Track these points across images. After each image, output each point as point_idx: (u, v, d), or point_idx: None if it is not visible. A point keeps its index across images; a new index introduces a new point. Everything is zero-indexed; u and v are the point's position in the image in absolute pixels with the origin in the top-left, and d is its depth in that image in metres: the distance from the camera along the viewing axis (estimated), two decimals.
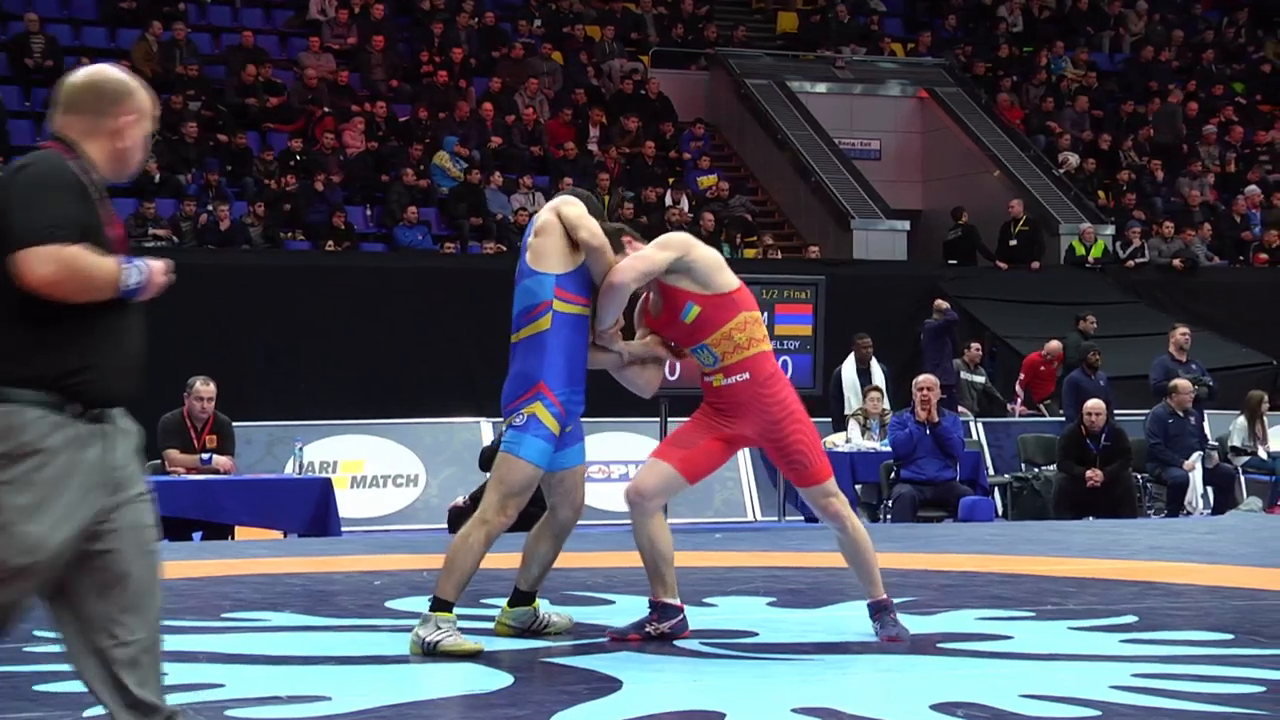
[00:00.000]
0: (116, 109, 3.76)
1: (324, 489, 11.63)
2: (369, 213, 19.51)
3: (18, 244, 3.52)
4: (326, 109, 20.20)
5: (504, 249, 19.01)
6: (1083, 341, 16.91)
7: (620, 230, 6.19)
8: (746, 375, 6.00)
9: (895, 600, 6.29)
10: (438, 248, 19.03)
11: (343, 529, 11.91)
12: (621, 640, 6.09)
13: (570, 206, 6.05)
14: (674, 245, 6.03)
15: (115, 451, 3.60)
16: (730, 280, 6.07)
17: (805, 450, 6.04)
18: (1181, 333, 15.95)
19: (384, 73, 21.51)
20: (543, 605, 6.37)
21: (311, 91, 20.48)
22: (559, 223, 6.03)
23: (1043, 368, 17.24)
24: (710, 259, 6.07)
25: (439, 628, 5.81)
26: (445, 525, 11.88)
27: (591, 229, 5.94)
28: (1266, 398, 15.84)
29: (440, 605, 5.86)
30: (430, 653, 5.75)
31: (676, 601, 6.17)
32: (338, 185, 19.01)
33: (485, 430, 13.59)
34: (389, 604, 7.18)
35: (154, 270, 3.61)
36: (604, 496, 14.40)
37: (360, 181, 19.54)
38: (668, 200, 20.79)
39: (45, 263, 3.50)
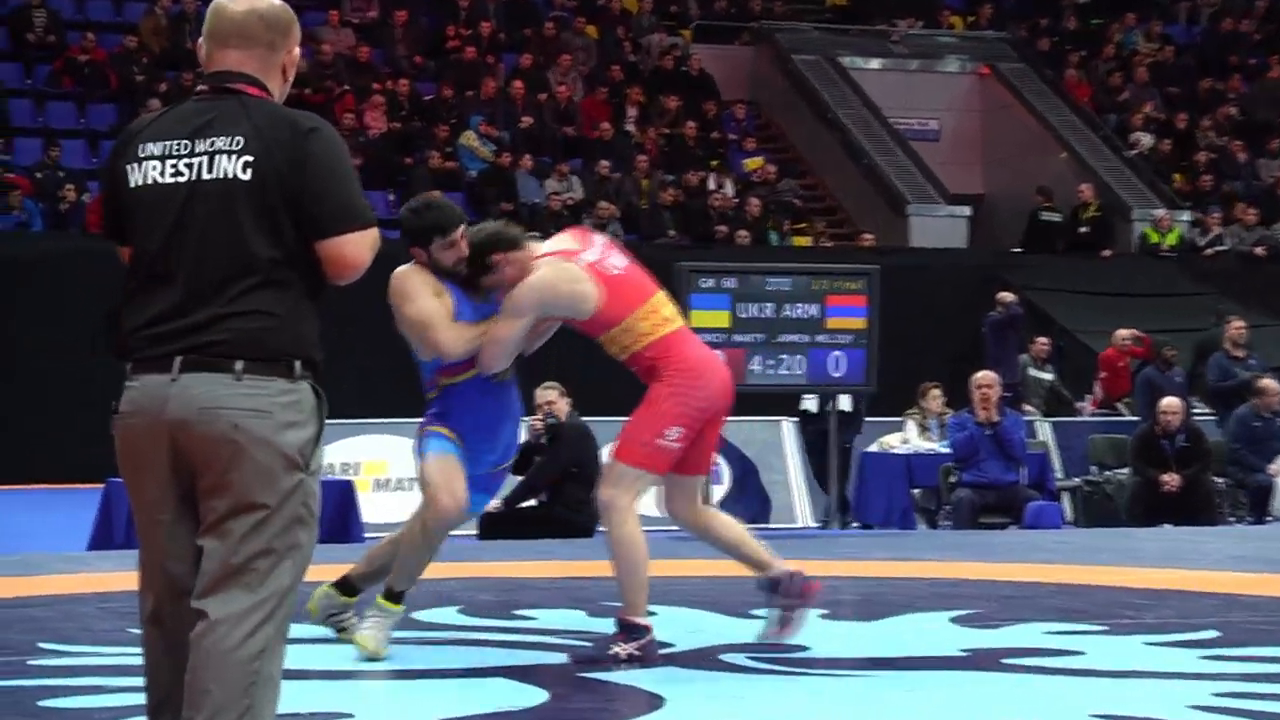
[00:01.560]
0: (288, 40, 3.67)
1: (345, 492, 11.66)
2: (392, 198, 19.54)
3: (341, 226, 3.52)
4: (345, 87, 20.27)
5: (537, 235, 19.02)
6: (1224, 337, 16.64)
7: (491, 244, 6.12)
8: (634, 368, 6.15)
9: (957, 612, 6.27)
10: None
11: (366, 534, 11.93)
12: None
13: (395, 294, 6.07)
14: (527, 303, 6.02)
15: None
16: (589, 303, 6.03)
17: (629, 428, 6.11)
18: (1237, 327, 15.82)
19: (407, 48, 21.57)
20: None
21: (329, 68, 20.54)
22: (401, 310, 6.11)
23: (1120, 363, 17.14)
24: (563, 295, 6.04)
25: (374, 619, 6.03)
26: (475, 532, 11.89)
27: (410, 315, 6.03)
28: None
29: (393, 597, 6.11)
30: (323, 625, 6.16)
31: (780, 568, 6.28)
32: (358, 168, 19.02)
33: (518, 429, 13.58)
34: (415, 615, 7.19)
35: None
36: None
37: (382, 164, 19.57)
38: (710, 184, 20.79)
39: (369, 249, 3.55)
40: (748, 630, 6.61)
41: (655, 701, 5.25)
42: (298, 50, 3.70)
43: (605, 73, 22.19)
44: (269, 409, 3.48)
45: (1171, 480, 13.36)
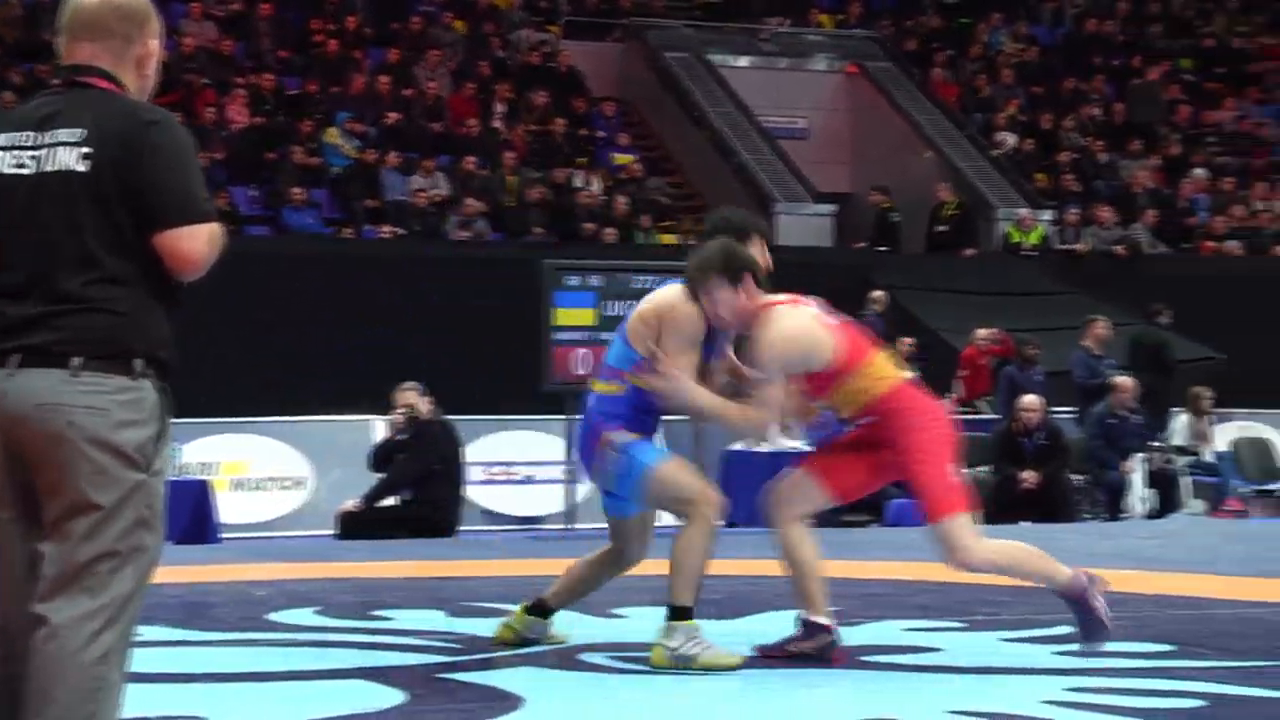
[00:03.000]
0: (143, 33, 3.65)
1: (202, 492, 11.56)
2: (254, 193, 19.36)
3: (177, 220, 3.47)
4: (206, 80, 20.04)
5: (401, 233, 18.94)
6: (1163, 336, 16.95)
7: (741, 267, 5.96)
8: (872, 419, 6.02)
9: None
10: (330, 232, 18.93)
11: (222, 535, 11.83)
12: (767, 654, 6.08)
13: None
14: (778, 362, 5.85)
15: None
16: (825, 353, 5.91)
17: (923, 485, 5.98)
18: (1102, 326, 16.10)
19: (271, 42, 21.37)
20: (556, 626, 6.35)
21: (191, 61, 20.30)
22: (691, 321, 5.88)
23: (980, 361, 17.34)
24: (809, 350, 5.91)
25: (693, 638, 5.78)
26: (334, 531, 11.82)
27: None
28: (1210, 394, 16.02)
29: (681, 613, 5.82)
30: (686, 668, 5.72)
31: (824, 620, 6.06)
32: (220, 163, 18.86)
33: (378, 428, 13.53)
34: (271, 616, 7.14)
35: None
36: (506, 499, 14.39)
37: (244, 159, 19.38)
38: (578, 181, 20.78)
39: (207, 243, 3.49)
40: (609, 630, 6.62)
41: (513, 702, 5.24)
42: (155, 43, 3.67)
43: (473, 68, 22.12)
44: (106, 407, 3.44)
45: (1030, 478, 13.56)
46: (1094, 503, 14.47)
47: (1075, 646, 6.26)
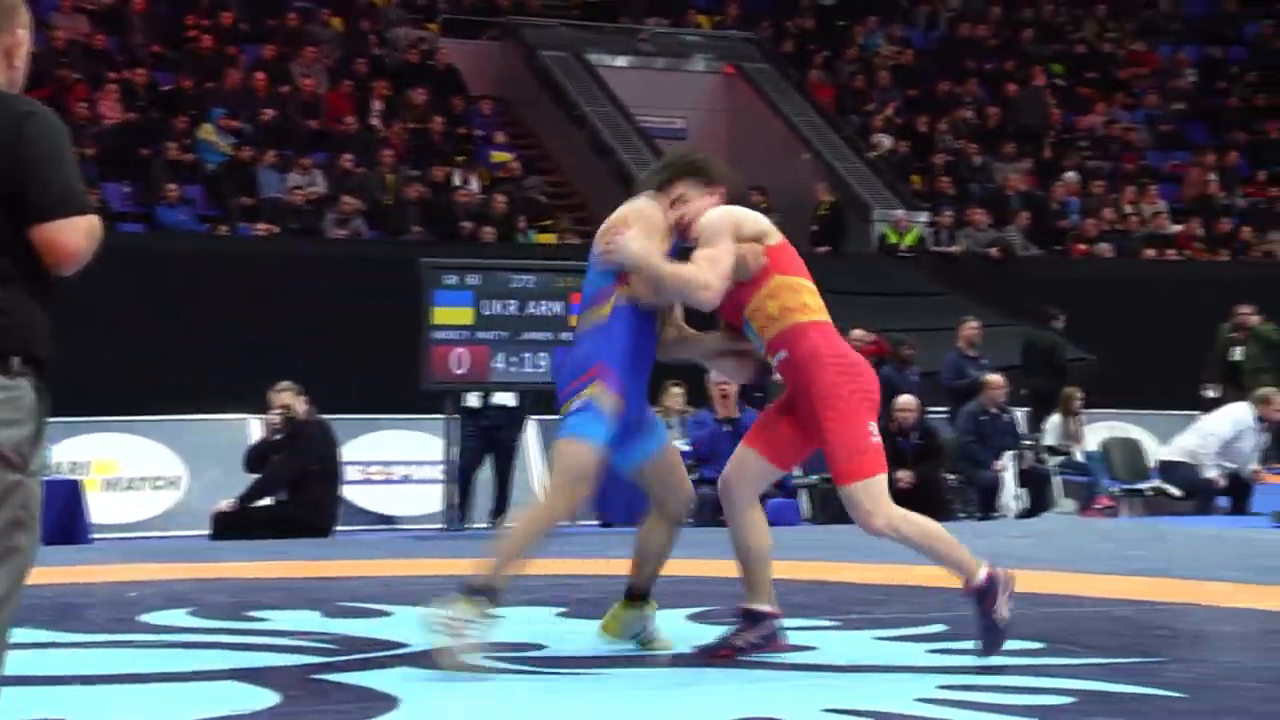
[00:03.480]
0: (12, 22, 3.59)
1: (72, 492, 11.41)
2: (127, 189, 19.13)
3: (53, 212, 3.41)
4: (78, 75, 19.78)
5: (277, 231, 18.80)
6: (1055, 339, 17.20)
7: (718, 174, 6.02)
8: (784, 354, 5.85)
9: (691, 609, 6.34)
10: (204, 229, 18.75)
11: (94, 536, 11.68)
12: (712, 657, 6.01)
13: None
14: (725, 231, 5.80)
15: None
16: (765, 235, 5.89)
17: (832, 445, 5.80)
18: (972, 327, 16.31)
19: (144, 37, 21.13)
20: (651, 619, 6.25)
21: (61, 55, 20.02)
22: (658, 216, 5.93)
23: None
24: (753, 222, 5.90)
25: (466, 619, 5.64)
26: (208, 531, 11.72)
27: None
28: (1081, 395, 16.26)
29: (474, 588, 5.71)
30: (433, 635, 5.65)
31: (768, 608, 6.03)
32: (92, 159, 18.62)
33: (253, 427, 13.42)
34: (143, 617, 7.06)
35: None
36: (383, 499, 14.33)
37: (117, 155, 19.15)
38: (456, 179, 20.73)
39: (84, 235, 3.43)
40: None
41: (389, 703, 5.22)
42: (23, 33, 3.62)
43: (350, 66, 21.99)
44: None
45: (905, 477, 13.68)
46: (967, 502, 14.63)
47: (948, 645, 6.34)
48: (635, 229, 5.87)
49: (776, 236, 5.94)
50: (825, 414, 5.78)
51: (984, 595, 5.93)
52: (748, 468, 6.06)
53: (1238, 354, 17.27)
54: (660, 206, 5.99)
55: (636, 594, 6.22)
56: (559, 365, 6.07)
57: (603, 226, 6.06)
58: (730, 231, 5.80)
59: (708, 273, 5.73)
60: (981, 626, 5.95)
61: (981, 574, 5.96)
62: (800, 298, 5.87)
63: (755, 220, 5.93)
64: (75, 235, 3.44)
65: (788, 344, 5.83)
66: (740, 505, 6.05)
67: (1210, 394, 17.63)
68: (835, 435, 5.77)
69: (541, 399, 14.11)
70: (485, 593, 5.73)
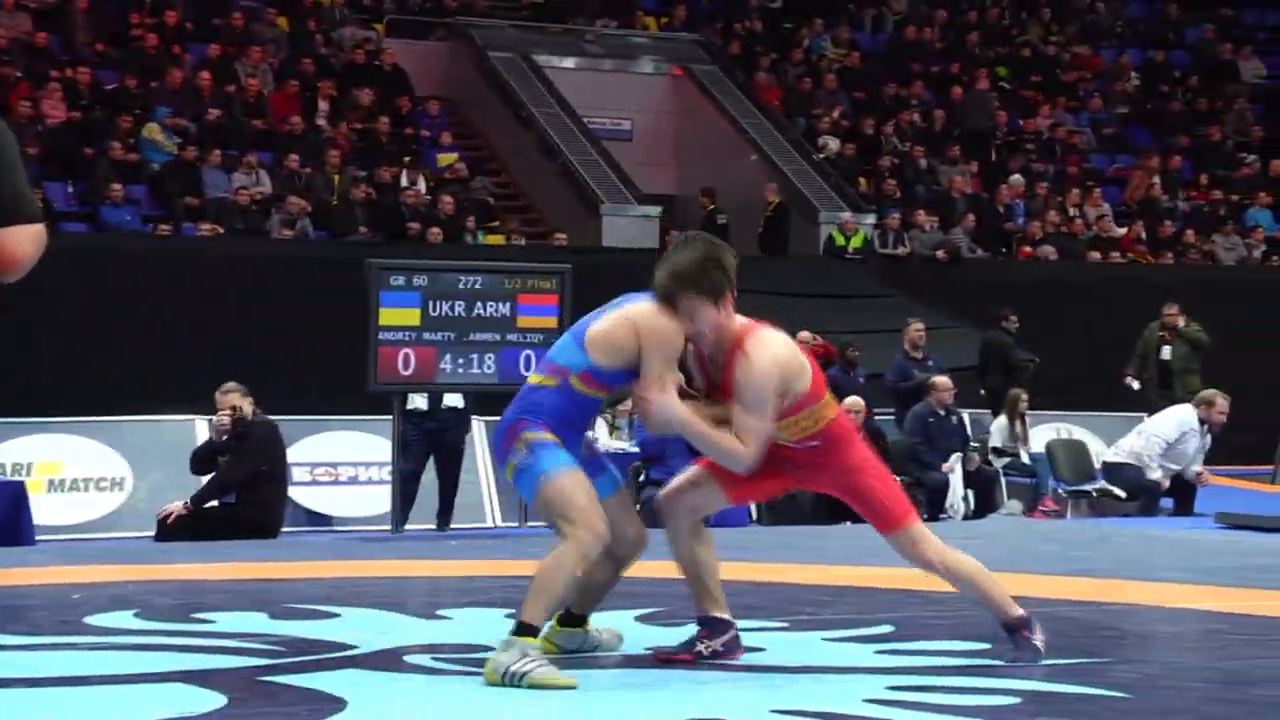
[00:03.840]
0: None
1: (16, 493, 11.32)
2: (71, 189, 19.01)
3: (8, 217, 3.41)
4: (20, 74, 19.65)
5: (222, 231, 18.72)
6: (1007, 340, 17.30)
7: (723, 283, 5.87)
8: (816, 444, 5.99)
9: (641, 611, 6.35)
10: (148, 229, 18.65)
11: (38, 537, 11.59)
12: (669, 661, 6.00)
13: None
14: (769, 396, 5.75)
15: None
16: (806, 381, 5.87)
17: (879, 496, 6.07)
18: (916, 329, 16.37)
19: (88, 35, 21.00)
20: (591, 621, 6.23)
21: (4, 54, 19.89)
22: (674, 339, 5.78)
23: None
24: (797, 377, 5.85)
25: (526, 655, 5.58)
26: (153, 533, 11.65)
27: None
28: (1026, 397, 16.35)
29: (526, 630, 5.62)
30: (515, 684, 5.50)
31: (727, 615, 6.07)
32: (35, 159, 18.49)
33: (199, 428, 13.35)
34: (88, 619, 7.01)
35: None
36: (331, 501, 14.28)
37: (61, 155, 19.03)
38: (403, 180, 20.68)
39: (32, 243, 3.43)
40: (434, 631, 6.60)
41: (336, 705, 5.20)
42: None
43: (296, 66, 21.91)
44: None
45: None
46: (914, 503, 14.67)
47: (896, 646, 6.37)
48: (663, 380, 5.73)
49: (808, 379, 5.90)
50: (865, 476, 6.07)
51: (1019, 628, 6.13)
52: (699, 492, 6.06)
53: (1166, 353, 17.49)
54: (666, 315, 5.81)
55: (574, 620, 6.18)
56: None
57: (614, 325, 5.83)
58: (776, 392, 5.79)
59: (751, 448, 5.77)
60: (1018, 645, 6.09)
61: (1020, 614, 6.16)
62: (826, 403, 6.01)
63: (800, 373, 5.87)
64: (19, 243, 3.42)
65: (819, 438, 5.98)
66: (681, 525, 6.04)
67: (1134, 385, 17.83)
68: (880, 491, 6.09)
69: (488, 400, 14.13)
70: (530, 632, 5.65)
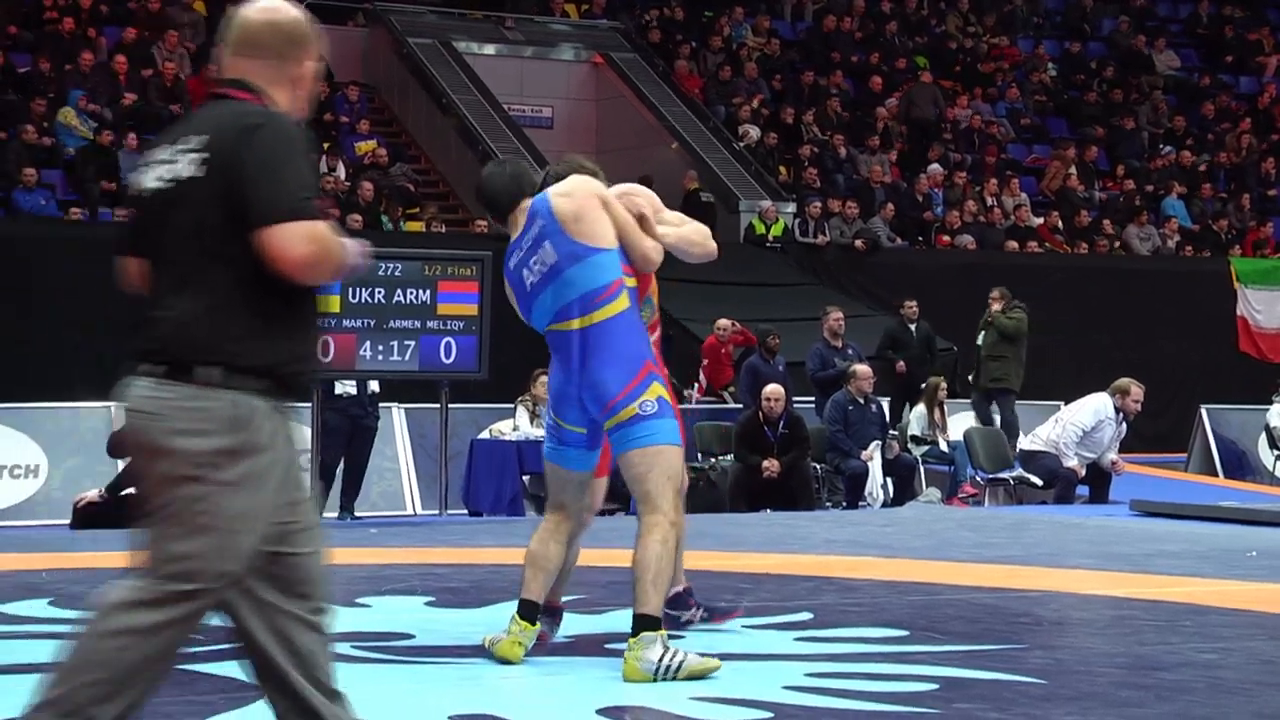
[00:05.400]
0: (301, 53, 3.65)
1: None
2: None
3: (266, 218, 3.38)
4: None
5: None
6: (905, 328, 17.27)
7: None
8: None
9: (563, 598, 6.35)
10: (63, 214, 18.47)
11: None
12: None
13: (635, 196, 6.41)
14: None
15: (296, 446, 3.62)
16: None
17: None
18: (835, 318, 16.41)
19: (1, 18, 20.74)
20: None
21: None
22: (598, 201, 6.05)
23: (722, 351, 17.55)
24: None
25: (668, 648, 5.52)
26: (68, 521, 11.56)
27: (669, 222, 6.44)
28: (945, 385, 16.45)
29: (653, 623, 5.55)
30: (672, 678, 5.44)
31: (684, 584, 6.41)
32: None
33: (115, 415, 13.24)
34: (3, 608, 6.95)
35: (356, 250, 3.56)
36: None
37: None
38: (322, 167, 20.55)
39: (302, 241, 3.37)
40: (354, 619, 6.58)
41: (252, 693, 5.18)
42: (311, 65, 3.70)
43: (213, 50, 21.71)
44: None
45: (772, 466, 13.78)
46: (834, 491, 14.77)
47: (814, 633, 6.40)
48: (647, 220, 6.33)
49: None
50: None
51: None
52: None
53: (980, 339, 17.16)
54: (583, 179, 6.24)
55: (539, 609, 5.95)
56: (572, 372, 5.84)
57: (590, 203, 6.08)
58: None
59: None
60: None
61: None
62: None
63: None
64: (286, 240, 3.40)
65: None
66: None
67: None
68: None
69: (405, 388, 14.09)
70: (657, 625, 5.59)
